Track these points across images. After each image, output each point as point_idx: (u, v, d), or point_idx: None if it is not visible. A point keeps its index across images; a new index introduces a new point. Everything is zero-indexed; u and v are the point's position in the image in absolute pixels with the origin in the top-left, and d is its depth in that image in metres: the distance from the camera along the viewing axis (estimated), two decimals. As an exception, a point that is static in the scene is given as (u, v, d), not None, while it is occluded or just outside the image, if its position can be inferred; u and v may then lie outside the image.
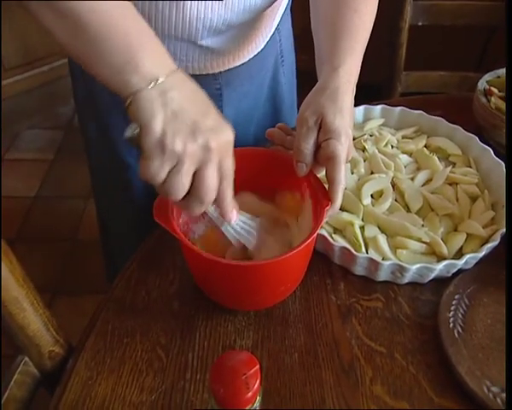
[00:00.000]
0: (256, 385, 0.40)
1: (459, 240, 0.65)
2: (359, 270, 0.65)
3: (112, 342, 0.59)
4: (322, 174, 0.61)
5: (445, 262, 0.61)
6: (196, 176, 0.48)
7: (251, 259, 0.60)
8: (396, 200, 0.71)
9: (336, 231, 0.68)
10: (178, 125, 0.46)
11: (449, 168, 0.74)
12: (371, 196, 0.71)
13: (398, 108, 0.84)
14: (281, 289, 0.60)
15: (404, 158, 0.77)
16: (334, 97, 0.58)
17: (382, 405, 0.54)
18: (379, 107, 0.84)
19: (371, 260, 0.62)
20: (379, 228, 0.67)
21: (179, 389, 0.55)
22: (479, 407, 0.53)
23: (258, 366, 0.41)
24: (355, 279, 0.65)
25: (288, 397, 0.54)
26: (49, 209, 1.85)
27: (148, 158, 0.46)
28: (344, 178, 0.56)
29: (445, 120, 0.81)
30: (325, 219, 0.57)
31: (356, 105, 0.81)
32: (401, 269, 0.62)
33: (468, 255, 0.62)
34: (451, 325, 0.59)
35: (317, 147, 0.58)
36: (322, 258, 0.67)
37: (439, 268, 0.61)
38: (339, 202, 0.57)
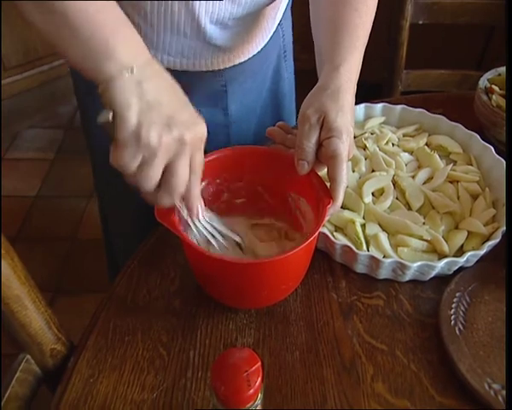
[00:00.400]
0: (258, 383, 0.40)
1: (460, 238, 0.65)
2: (360, 268, 0.65)
3: (113, 340, 0.59)
4: (322, 172, 0.61)
5: (446, 260, 0.61)
6: (168, 168, 0.48)
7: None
8: (397, 198, 0.71)
9: (337, 229, 0.68)
10: (154, 117, 0.46)
11: (450, 166, 0.74)
12: (372, 194, 0.71)
13: (399, 106, 0.84)
14: (282, 288, 0.60)
15: (405, 156, 0.77)
16: (335, 96, 0.58)
17: (383, 403, 0.54)
18: (380, 105, 0.84)
19: (372, 257, 0.62)
20: (380, 226, 0.67)
21: (180, 387, 0.55)
22: (480, 405, 0.53)
23: (259, 364, 0.41)
24: (356, 277, 0.65)
25: (290, 395, 0.54)
26: (49, 209, 1.85)
27: (121, 147, 0.46)
28: (346, 177, 0.57)
29: (445, 118, 0.81)
30: (327, 218, 0.57)
31: (357, 103, 0.81)
32: (402, 267, 0.62)
33: (469, 253, 0.62)
34: (452, 322, 0.59)
35: (319, 145, 0.58)
36: (323, 256, 0.67)
37: (440, 266, 0.61)
38: (340, 200, 0.57)
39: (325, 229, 0.65)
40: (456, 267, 0.63)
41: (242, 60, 0.77)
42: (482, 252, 0.62)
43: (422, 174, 0.74)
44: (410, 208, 0.69)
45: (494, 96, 0.83)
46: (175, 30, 0.67)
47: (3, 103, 2.03)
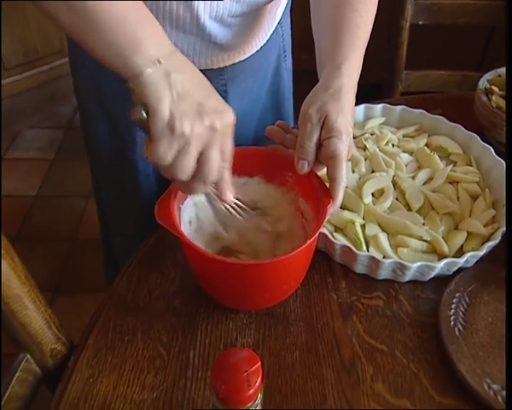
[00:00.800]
0: (257, 382, 0.40)
1: (460, 238, 0.65)
2: (360, 268, 0.65)
3: (113, 340, 0.59)
4: (322, 172, 0.61)
5: (445, 260, 0.61)
6: (201, 156, 0.49)
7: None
8: (397, 198, 0.71)
9: (337, 229, 0.68)
10: (185, 107, 0.47)
11: (450, 167, 0.74)
12: (372, 194, 0.71)
13: (399, 106, 0.84)
14: (283, 288, 0.60)
15: (405, 157, 0.77)
16: (337, 96, 0.58)
17: (383, 403, 0.54)
18: (380, 106, 0.84)
19: (372, 258, 0.62)
20: (380, 226, 0.67)
21: (180, 387, 0.55)
22: (479, 405, 0.53)
23: (259, 364, 0.41)
24: (356, 277, 0.66)
25: (290, 395, 0.54)
26: (49, 208, 1.85)
27: (156, 140, 0.47)
28: (345, 176, 0.57)
29: (445, 119, 0.81)
30: (327, 218, 0.57)
31: (357, 104, 0.81)
32: (402, 267, 0.62)
33: (468, 254, 0.62)
34: (452, 323, 0.59)
35: (319, 145, 0.59)
36: (323, 256, 0.67)
37: (439, 266, 0.61)
38: (340, 199, 0.57)
39: (325, 229, 0.65)
40: (456, 268, 0.63)
41: (242, 58, 0.77)
42: (482, 253, 0.62)
43: (422, 175, 0.74)
44: (409, 209, 0.70)
45: (494, 97, 0.83)
46: (174, 27, 0.67)
47: (3, 103, 2.03)
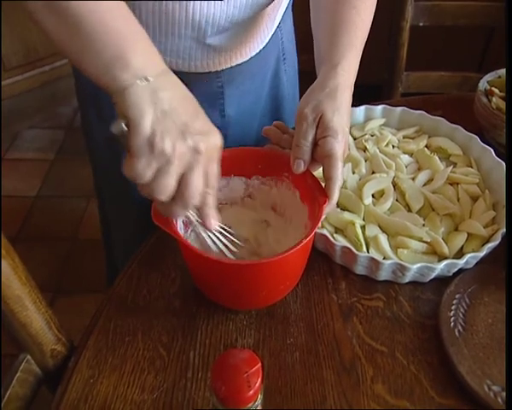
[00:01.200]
0: (257, 383, 0.40)
1: (460, 240, 0.65)
2: (360, 269, 0.65)
3: (113, 340, 0.59)
4: (317, 172, 0.61)
5: (445, 262, 0.61)
6: (183, 178, 0.47)
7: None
8: (397, 200, 0.71)
9: (337, 230, 0.68)
10: (168, 126, 0.46)
11: (450, 168, 0.74)
12: (372, 195, 0.71)
13: (399, 108, 0.84)
14: (280, 288, 0.60)
15: (405, 158, 0.77)
16: (333, 95, 0.58)
17: (383, 404, 0.54)
18: (380, 107, 0.84)
19: (372, 259, 0.62)
20: (380, 228, 0.67)
21: (181, 388, 0.55)
22: (479, 406, 0.53)
23: (259, 365, 0.41)
24: (356, 279, 0.66)
25: (290, 396, 0.55)
26: (49, 209, 1.85)
27: (134, 156, 0.46)
28: (341, 176, 0.57)
29: (445, 120, 0.81)
30: (323, 217, 0.57)
31: (357, 105, 0.82)
32: (402, 268, 0.62)
33: (468, 255, 0.62)
34: (452, 324, 0.59)
35: (314, 144, 0.59)
36: (323, 257, 0.67)
37: (439, 268, 0.61)
38: (336, 198, 0.58)
39: (325, 230, 0.66)
40: (456, 269, 0.63)
41: (240, 61, 0.77)
42: (482, 254, 0.63)
43: (422, 176, 0.74)
44: (409, 210, 0.70)
45: (494, 99, 0.83)
46: (169, 30, 0.67)
47: (4, 104, 2.03)
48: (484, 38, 1.88)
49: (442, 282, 0.63)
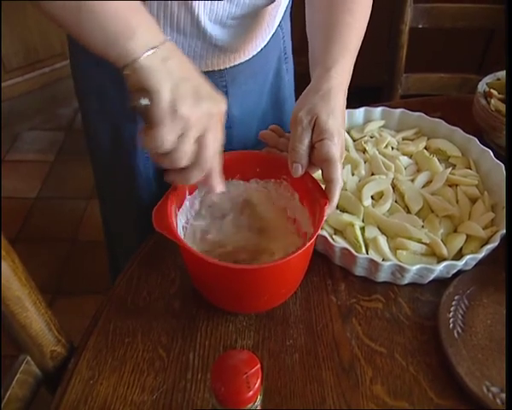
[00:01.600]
0: (257, 384, 0.40)
1: (459, 241, 0.66)
2: (359, 271, 0.65)
3: (113, 341, 0.59)
4: (316, 174, 0.61)
5: (444, 263, 0.62)
6: (200, 142, 0.50)
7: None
8: (396, 201, 0.71)
9: (337, 232, 0.68)
10: (183, 91, 0.48)
11: (449, 170, 0.74)
12: (372, 197, 0.71)
13: (399, 109, 0.84)
14: (281, 292, 0.60)
15: (405, 159, 0.78)
16: (326, 98, 0.58)
17: (382, 405, 0.54)
18: (379, 109, 0.84)
19: (371, 260, 0.62)
20: (379, 229, 0.67)
21: (180, 389, 0.55)
22: (478, 408, 0.53)
23: (259, 366, 0.41)
24: (355, 280, 0.66)
25: (289, 397, 0.55)
26: (49, 210, 1.85)
27: (157, 124, 0.47)
28: (341, 177, 0.57)
29: (444, 122, 0.81)
30: (324, 219, 0.57)
31: (357, 107, 0.82)
32: (401, 270, 0.62)
33: (467, 256, 0.62)
34: (451, 325, 0.59)
35: (311, 147, 0.59)
36: (322, 259, 0.67)
37: (438, 269, 0.62)
38: (336, 200, 0.58)
39: (324, 232, 0.66)
40: (455, 271, 0.64)
41: (243, 60, 0.78)
42: (481, 255, 0.63)
43: (421, 178, 0.74)
44: (409, 212, 0.70)
45: (493, 101, 0.83)
46: (174, 29, 0.67)
47: (4, 105, 2.03)
48: (483, 40, 1.88)
49: (441, 283, 0.63)
